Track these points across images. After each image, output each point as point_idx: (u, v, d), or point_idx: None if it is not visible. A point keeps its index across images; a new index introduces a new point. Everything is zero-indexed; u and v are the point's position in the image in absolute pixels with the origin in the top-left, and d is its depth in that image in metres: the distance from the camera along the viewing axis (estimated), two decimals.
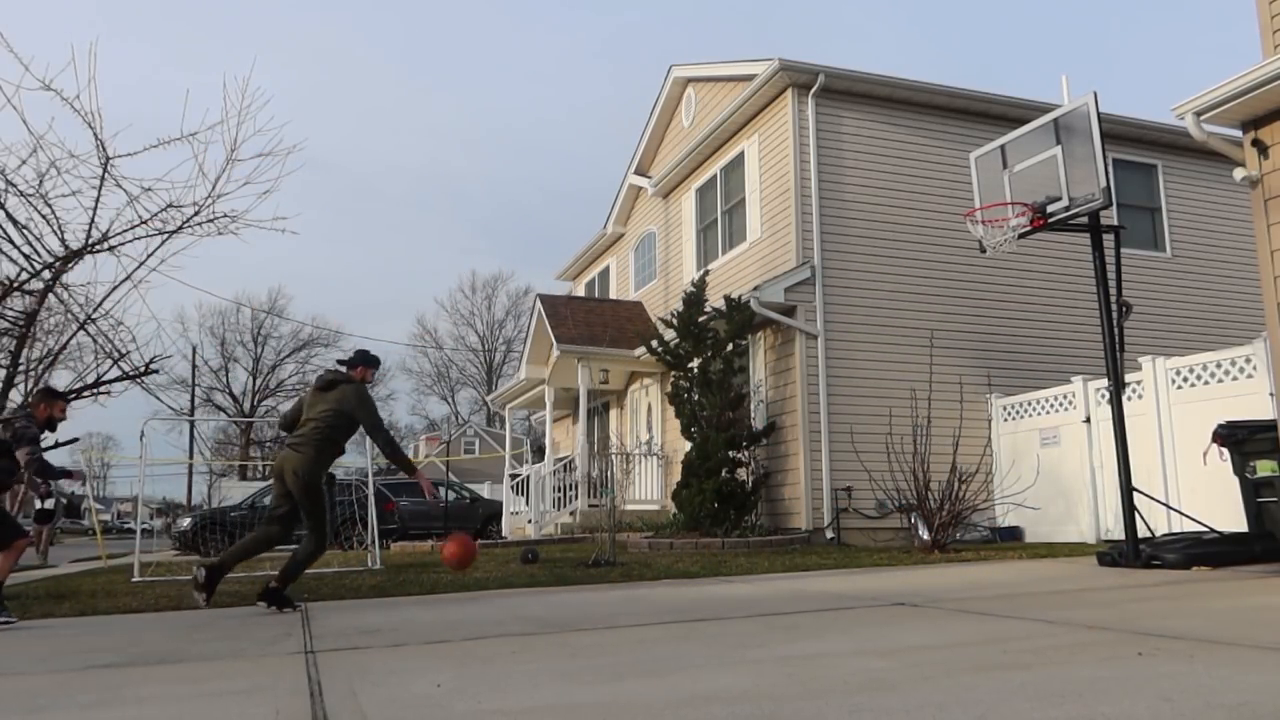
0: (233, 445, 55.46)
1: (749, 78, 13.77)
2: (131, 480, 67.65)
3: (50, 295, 8.05)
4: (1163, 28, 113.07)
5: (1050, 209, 7.99)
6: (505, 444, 22.21)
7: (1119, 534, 8.64)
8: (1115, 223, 8.78)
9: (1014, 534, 11.95)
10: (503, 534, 18.18)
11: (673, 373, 13.22)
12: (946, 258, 13.11)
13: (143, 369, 8.23)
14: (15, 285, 7.91)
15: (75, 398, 8.46)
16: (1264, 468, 7.36)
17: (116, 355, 8.15)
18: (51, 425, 6.78)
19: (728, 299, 12.37)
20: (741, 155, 14.45)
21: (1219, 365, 9.52)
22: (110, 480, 75.98)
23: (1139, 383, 10.21)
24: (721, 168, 15.15)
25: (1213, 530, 7.77)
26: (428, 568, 9.72)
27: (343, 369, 6.62)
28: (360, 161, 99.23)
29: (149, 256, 7.95)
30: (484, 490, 26.54)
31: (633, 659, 3.78)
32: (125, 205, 7.83)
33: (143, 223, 7.86)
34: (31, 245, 7.75)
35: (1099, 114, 7.67)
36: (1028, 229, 8.21)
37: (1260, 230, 7.05)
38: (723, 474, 11.80)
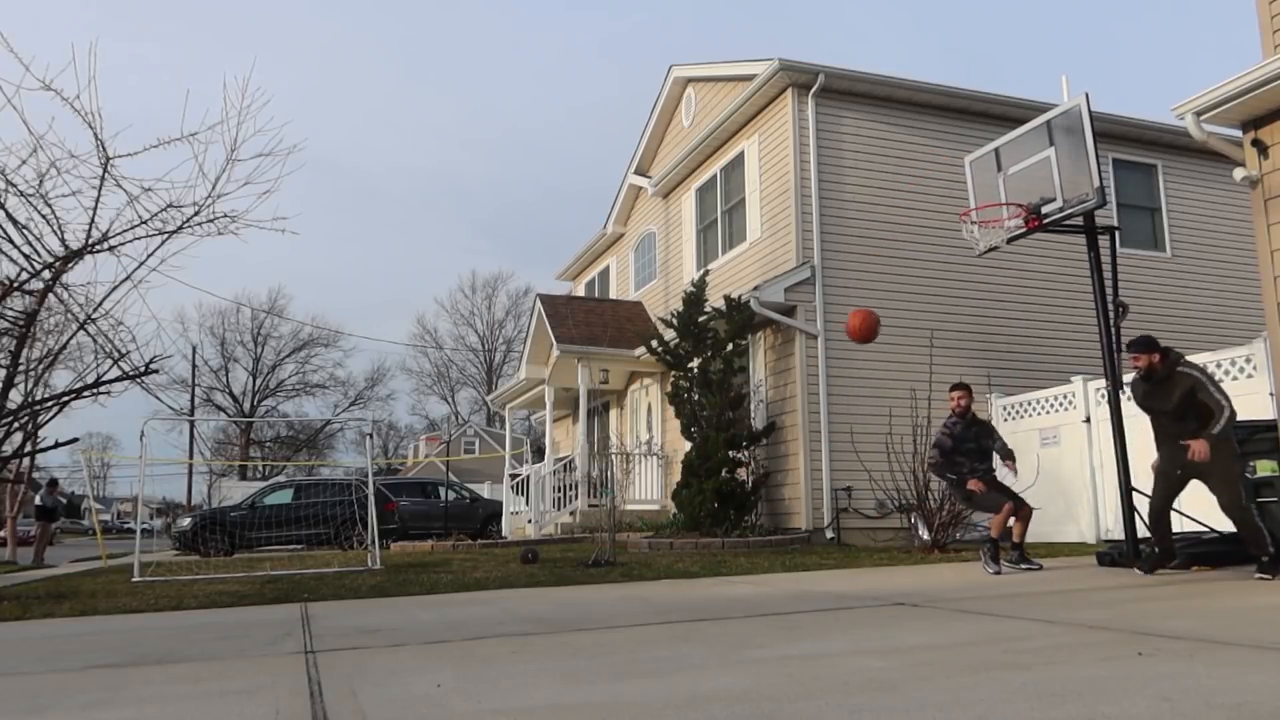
0: (233, 445, 55.46)
1: (749, 78, 13.77)
2: (131, 480, 67.62)
3: (50, 295, 8.04)
4: (1164, 28, 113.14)
5: (1045, 210, 7.99)
6: (505, 444, 22.21)
7: (1119, 534, 8.64)
8: (1114, 222, 8.78)
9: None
10: (503, 534, 18.18)
11: (673, 373, 13.22)
12: (946, 258, 13.11)
13: (143, 369, 8.21)
14: (15, 285, 7.90)
15: (75, 398, 8.45)
16: (1264, 468, 7.36)
17: (116, 355, 8.13)
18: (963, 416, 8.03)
19: (728, 299, 12.37)
20: (741, 155, 14.45)
21: (1219, 365, 9.52)
22: (110, 480, 76.03)
23: None
24: (721, 168, 15.15)
25: (1213, 530, 7.76)
26: (428, 568, 9.72)
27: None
28: (363, 161, 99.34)
29: (149, 256, 7.92)
30: (484, 490, 26.52)
31: (633, 659, 3.78)
32: (125, 205, 7.80)
33: (143, 223, 7.84)
34: (31, 245, 7.74)
35: (1091, 114, 7.66)
36: (1023, 230, 8.21)
37: (1260, 230, 7.05)
38: (723, 474, 11.80)
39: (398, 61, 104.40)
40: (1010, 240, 8.33)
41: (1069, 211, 7.84)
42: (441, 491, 21.23)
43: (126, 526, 57.33)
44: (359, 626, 5.19)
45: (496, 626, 4.97)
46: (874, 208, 13.02)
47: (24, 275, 7.85)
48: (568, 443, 20.50)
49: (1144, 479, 7.17)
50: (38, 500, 18.84)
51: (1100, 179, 7.62)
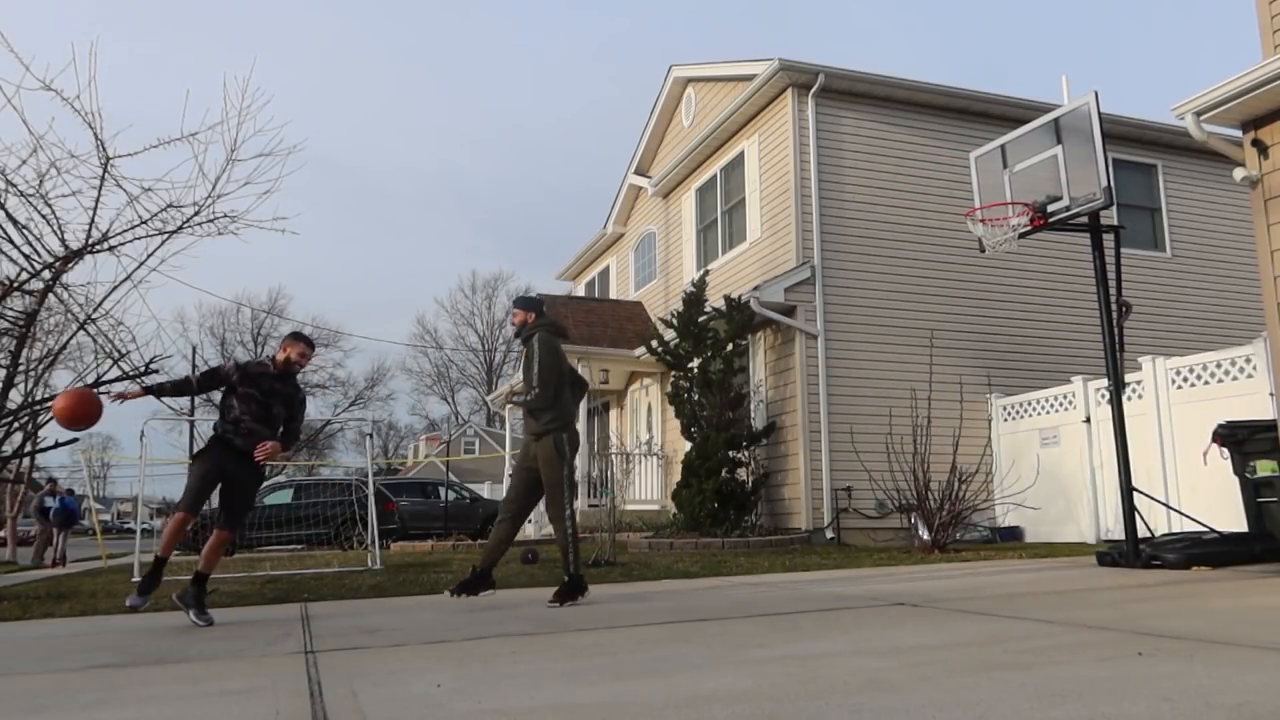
0: None
1: (749, 78, 13.77)
2: (131, 480, 67.67)
3: (50, 295, 8.04)
4: (1165, 28, 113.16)
5: (1051, 209, 7.99)
6: (505, 444, 22.20)
7: (1119, 534, 8.64)
8: (1115, 222, 8.77)
9: (1014, 534, 11.95)
10: None
11: (673, 373, 13.22)
12: (946, 258, 13.11)
13: (142, 369, 8.22)
14: (15, 285, 7.90)
15: None
16: (1264, 468, 7.36)
17: (116, 355, 8.14)
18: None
19: (728, 299, 12.37)
20: (741, 155, 14.45)
21: (1219, 365, 9.52)
22: (110, 480, 75.98)
23: (1139, 383, 10.21)
24: (721, 168, 15.15)
25: (1213, 530, 7.76)
26: (428, 568, 9.72)
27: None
28: (365, 161, 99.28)
29: (149, 256, 7.93)
30: (484, 490, 26.55)
31: (633, 659, 3.78)
32: (125, 205, 7.81)
33: (143, 223, 7.85)
34: (31, 245, 7.74)
35: (1100, 114, 7.67)
36: (1028, 229, 8.21)
37: (1260, 230, 7.05)
38: (723, 474, 11.80)
39: (400, 61, 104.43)
40: (1020, 236, 8.33)
41: (1076, 211, 7.84)
42: (441, 491, 21.25)
43: (126, 526, 57.30)
44: (359, 626, 5.19)
45: (496, 626, 4.97)
46: (874, 208, 13.02)
47: (24, 275, 7.85)
48: None
49: (1144, 479, 7.17)
50: (49, 501, 18.83)
51: (1108, 178, 7.62)
